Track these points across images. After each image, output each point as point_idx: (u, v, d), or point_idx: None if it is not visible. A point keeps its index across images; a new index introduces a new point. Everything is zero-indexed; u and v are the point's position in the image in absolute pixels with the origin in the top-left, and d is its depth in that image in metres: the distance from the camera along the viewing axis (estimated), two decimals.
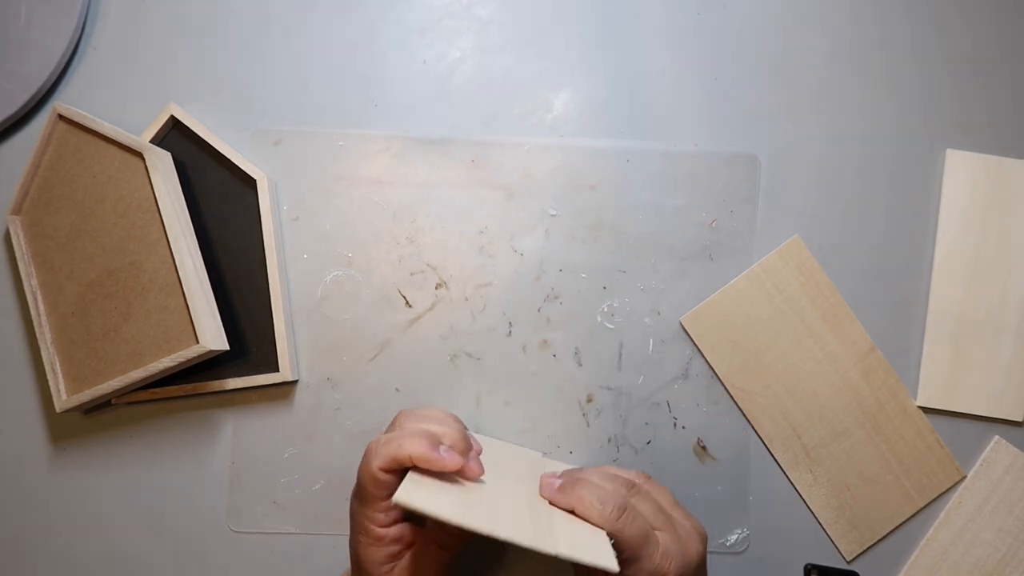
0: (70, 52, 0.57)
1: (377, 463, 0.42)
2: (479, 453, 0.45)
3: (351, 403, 0.56)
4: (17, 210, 0.55)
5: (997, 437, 0.55)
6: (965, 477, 0.55)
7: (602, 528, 0.41)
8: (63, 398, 0.53)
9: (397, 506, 0.38)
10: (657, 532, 0.43)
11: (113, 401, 0.55)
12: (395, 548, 0.44)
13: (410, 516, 0.44)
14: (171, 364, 0.50)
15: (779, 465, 0.55)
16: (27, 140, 0.58)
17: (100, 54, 0.58)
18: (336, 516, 0.55)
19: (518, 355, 0.56)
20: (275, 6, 0.58)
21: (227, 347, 0.52)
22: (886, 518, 0.54)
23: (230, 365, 0.55)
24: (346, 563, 0.51)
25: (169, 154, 0.55)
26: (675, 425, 0.55)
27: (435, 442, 0.42)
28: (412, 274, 0.56)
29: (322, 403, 0.56)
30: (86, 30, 0.58)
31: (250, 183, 0.55)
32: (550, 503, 0.43)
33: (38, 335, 0.53)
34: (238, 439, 0.55)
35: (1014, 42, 0.58)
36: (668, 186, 0.57)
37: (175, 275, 0.51)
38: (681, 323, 0.56)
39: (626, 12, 0.58)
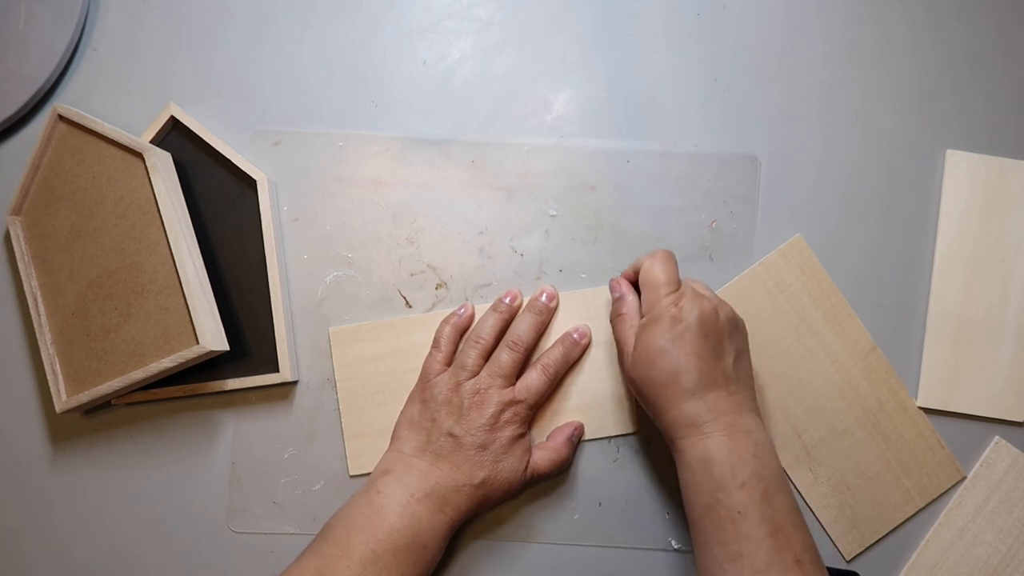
0: (70, 52, 0.57)
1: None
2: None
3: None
4: (17, 210, 0.55)
5: (997, 437, 0.55)
6: (965, 477, 0.55)
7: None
8: (63, 399, 0.53)
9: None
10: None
11: (113, 402, 0.55)
12: None
13: None
14: (171, 365, 0.50)
15: None
16: (27, 140, 0.58)
17: (100, 54, 0.58)
18: None
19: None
20: (275, 6, 0.58)
21: (227, 347, 0.52)
22: (886, 518, 0.54)
23: (230, 365, 0.55)
24: None
25: (169, 155, 0.55)
26: None
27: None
28: (412, 275, 0.56)
29: (322, 404, 0.56)
30: (86, 30, 0.58)
31: (250, 184, 0.55)
32: None
33: (38, 336, 0.53)
34: (238, 439, 0.55)
35: (1014, 42, 0.58)
36: (668, 186, 0.57)
37: (175, 275, 0.51)
38: None
39: (625, 13, 0.58)
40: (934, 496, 0.54)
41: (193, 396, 0.55)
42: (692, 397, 0.45)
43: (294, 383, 0.55)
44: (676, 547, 0.54)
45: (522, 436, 0.51)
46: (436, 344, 0.54)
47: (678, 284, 0.48)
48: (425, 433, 0.51)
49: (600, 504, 0.54)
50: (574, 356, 0.54)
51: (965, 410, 0.55)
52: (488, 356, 0.53)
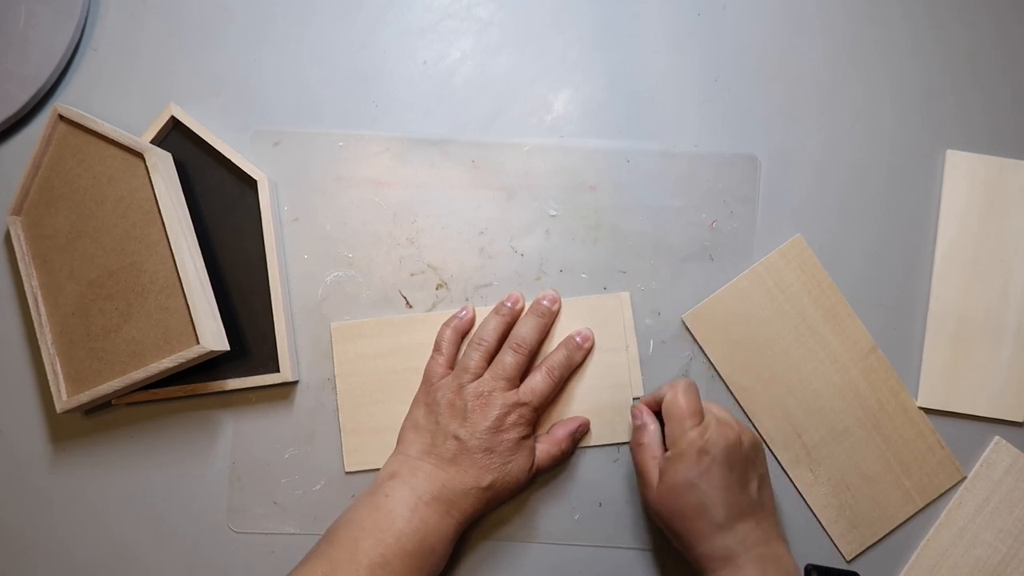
0: (70, 53, 0.57)
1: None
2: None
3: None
4: (17, 211, 0.55)
5: (997, 438, 0.55)
6: (965, 477, 0.55)
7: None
8: (63, 399, 0.53)
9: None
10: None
11: (113, 402, 0.55)
12: None
13: None
14: (171, 365, 0.50)
15: (780, 464, 0.55)
16: (27, 141, 0.58)
17: (100, 55, 0.58)
18: (337, 516, 0.55)
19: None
20: (275, 6, 0.58)
21: (227, 348, 0.52)
22: (886, 518, 0.54)
23: (230, 366, 0.55)
24: None
25: (170, 155, 0.55)
26: None
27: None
28: (412, 275, 0.56)
29: (322, 404, 0.56)
30: (86, 31, 0.58)
31: (250, 184, 0.55)
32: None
33: (38, 336, 0.53)
34: (238, 439, 0.55)
35: (1014, 42, 0.58)
36: (668, 186, 0.57)
37: (175, 275, 0.51)
38: (683, 320, 0.56)
39: (626, 13, 0.58)
40: (934, 496, 0.54)
41: (193, 396, 0.55)
42: (722, 530, 0.45)
43: (294, 383, 0.55)
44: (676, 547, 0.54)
45: (527, 438, 0.51)
46: (438, 347, 0.54)
47: (702, 415, 0.48)
48: (430, 436, 0.51)
49: (600, 504, 0.54)
50: (577, 359, 0.54)
51: (965, 410, 0.55)
52: (491, 359, 0.52)
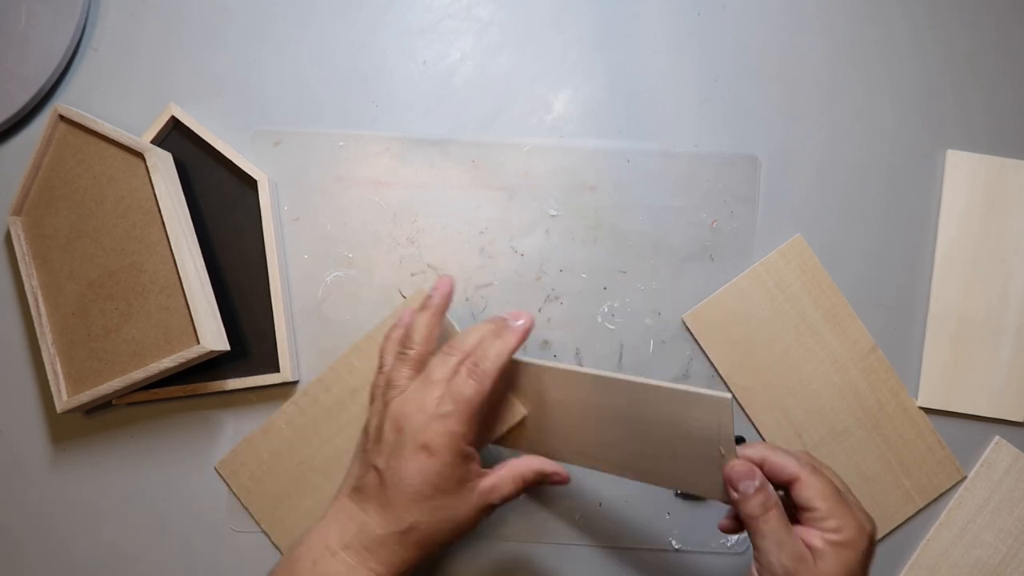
0: (70, 53, 0.57)
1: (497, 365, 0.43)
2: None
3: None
4: (18, 211, 0.55)
5: (998, 437, 0.55)
6: (966, 477, 0.55)
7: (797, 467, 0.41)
8: (64, 399, 0.53)
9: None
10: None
11: (114, 402, 0.55)
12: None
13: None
14: (172, 364, 0.50)
15: None
16: (27, 141, 0.58)
17: (100, 55, 0.58)
18: None
19: (518, 355, 0.56)
20: (275, 6, 0.58)
21: (228, 347, 0.52)
22: (886, 518, 0.54)
23: (230, 365, 0.55)
24: None
25: (170, 155, 0.55)
26: None
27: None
28: (413, 275, 0.56)
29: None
30: (86, 31, 0.58)
31: (251, 183, 0.56)
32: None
33: (39, 336, 0.53)
34: (238, 439, 0.55)
35: (1014, 42, 0.58)
36: (668, 186, 0.57)
37: (176, 275, 0.51)
38: (683, 320, 0.56)
39: (626, 13, 0.58)
40: (934, 496, 0.55)
41: (193, 396, 0.55)
42: None
43: (294, 383, 0.55)
44: (676, 547, 0.54)
45: (464, 463, 0.42)
46: (381, 364, 0.47)
47: None
48: (360, 467, 0.44)
49: (600, 504, 0.54)
50: (511, 343, 0.44)
51: (965, 410, 0.55)
52: (422, 367, 0.44)
